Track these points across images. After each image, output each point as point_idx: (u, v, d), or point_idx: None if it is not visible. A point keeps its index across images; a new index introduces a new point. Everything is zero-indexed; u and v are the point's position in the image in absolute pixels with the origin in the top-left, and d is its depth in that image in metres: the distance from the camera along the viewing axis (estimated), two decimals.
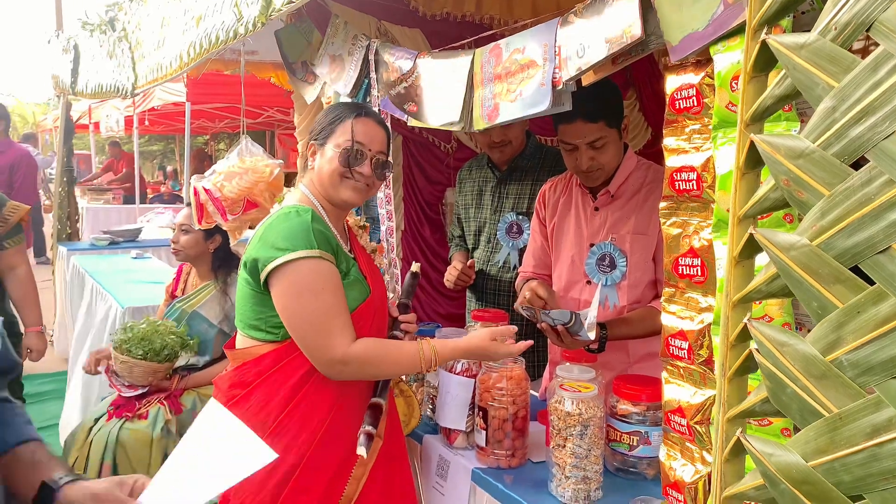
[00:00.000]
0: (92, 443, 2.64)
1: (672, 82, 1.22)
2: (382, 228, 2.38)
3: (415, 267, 2.07)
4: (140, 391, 2.77)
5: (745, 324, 0.82)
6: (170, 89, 6.81)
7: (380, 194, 2.46)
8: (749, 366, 0.84)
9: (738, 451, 0.84)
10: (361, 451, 1.60)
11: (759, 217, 0.94)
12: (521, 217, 2.58)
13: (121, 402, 2.77)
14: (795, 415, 0.77)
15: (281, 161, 2.51)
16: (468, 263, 2.62)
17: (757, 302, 1.08)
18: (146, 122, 9.42)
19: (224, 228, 2.60)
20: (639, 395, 1.79)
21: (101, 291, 4.16)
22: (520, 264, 2.52)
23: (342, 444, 1.70)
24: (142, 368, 2.71)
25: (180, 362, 2.84)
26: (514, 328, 1.74)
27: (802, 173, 0.76)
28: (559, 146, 2.04)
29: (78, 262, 4.89)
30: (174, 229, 2.99)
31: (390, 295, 2.26)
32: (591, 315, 1.81)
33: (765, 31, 0.80)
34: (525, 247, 2.48)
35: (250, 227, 2.53)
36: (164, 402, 2.76)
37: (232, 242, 2.83)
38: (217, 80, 6.34)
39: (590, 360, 1.97)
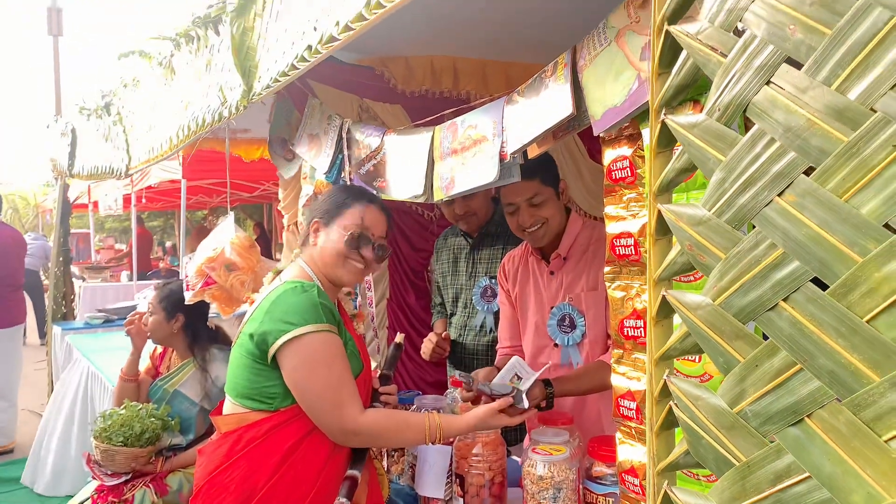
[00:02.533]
0: None
1: (609, 154, 1.31)
2: (365, 298, 2.43)
3: (399, 338, 2.11)
4: (124, 478, 2.75)
5: (665, 380, 0.87)
6: (166, 167, 6.98)
7: None
8: (673, 420, 0.88)
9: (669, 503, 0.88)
10: None
11: (691, 278, 1.01)
12: (493, 281, 2.65)
13: (105, 487, 2.75)
14: (712, 465, 0.81)
15: (223, 246, 2.57)
16: (443, 335, 2.68)
17: (697, 360, 1.14)
18: (143, 200, 9.59)
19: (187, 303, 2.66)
20: (614, 456, 1.80)
21: (93, 370, 4.17)
22: (495, 328, 2.57)
23: None
24: (123, 455, 2.70)
25: (163, 443, 2.83)
26: (511, 399, 1.77)
27: (702, 239, 0.83)
28: (504, 208, 2.13)
29: (70, 341, 4.92)
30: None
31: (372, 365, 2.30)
32: (525, 385, 1.85)
33: (664, 112, 0.89)
34: (498, 310, 2.54)
35: (246, 301, 2.58)
36: (150, 485, 2.74)
37: (224, 316, 2.87)
38: (212, 157, 6.51)
39: (566, 422, 2.00)
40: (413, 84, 3.39)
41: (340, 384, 1.67)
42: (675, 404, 0.85)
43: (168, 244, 16.87)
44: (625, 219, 1.28)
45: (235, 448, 1.72)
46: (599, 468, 1.83)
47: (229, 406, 1.81)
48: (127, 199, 9.06)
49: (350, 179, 2.27)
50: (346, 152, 2.29)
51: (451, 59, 3.42)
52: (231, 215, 2.65)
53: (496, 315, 2.61)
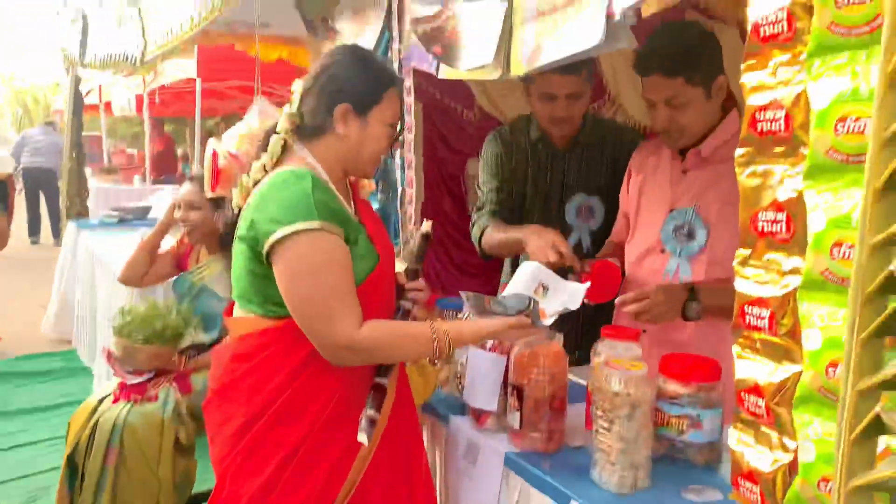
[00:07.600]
0: (98, 424, 2.51)
1: (757, 7, 1.05)
2: (402, 194, 2.22)
3: (425, 227, 1.84)
4: (146, 376, 2.62)
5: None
6: (180, 66, 6.68)
7: (397, 159, 2.29)
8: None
9: (872, 432, 0.68)
10: (363, 437, 1.47)
11: None
12: (592, 198, 2.32)
13: (126, 385, 2.63)
14: None
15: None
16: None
17: None
18: (157, 101, 9.29)
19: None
20: (689, 374, 1.63)
21: (110, 269, 4.06)
22: (592, 247, 2.31)
23: (348, 426, 1.54)
24: (145, 353, 2.56)
25: (186, 342, 2.69)
26: (527, 320, 1.59)
27: None
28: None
29: (87, 239, 4.80)
30: (179, 206, 2.82)
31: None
32: (552, 300, 1.65)
33: None
34: (597, 229, 2.30)
35: None
36: (174, 383, 2.63)
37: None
38: (228, 57, 6.20)
39: (633, 337, 1.82)
40: None
41: (331, 295, 1.45)
42: None
43: (179, 151, 16.60)
44: (772, 87, 1.03)
45: (248, 353, 1.58)
46: (674, 387, 1.67)
47: (239, 310, 1.63)
48: (140, 100, 8.75)
49: (399, 59, 2.01)
50: (395, 28, 2.02)
51: None
52: (265, 101, 2.43)
53: (593, 233, 2.33)
